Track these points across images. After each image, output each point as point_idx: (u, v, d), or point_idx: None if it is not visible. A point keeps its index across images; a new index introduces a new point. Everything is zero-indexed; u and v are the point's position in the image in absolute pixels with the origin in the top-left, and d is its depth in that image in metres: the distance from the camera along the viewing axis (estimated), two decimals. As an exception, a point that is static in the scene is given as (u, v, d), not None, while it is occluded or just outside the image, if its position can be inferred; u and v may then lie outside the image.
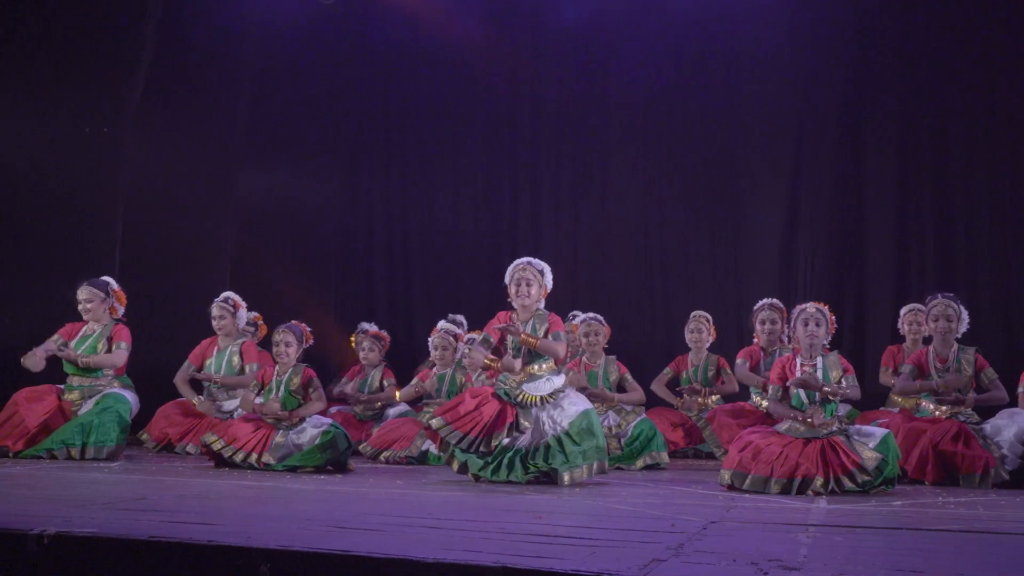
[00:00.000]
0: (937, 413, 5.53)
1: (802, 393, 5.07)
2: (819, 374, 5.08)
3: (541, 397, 5.19)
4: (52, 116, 8.17)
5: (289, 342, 5.96)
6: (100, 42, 8.36)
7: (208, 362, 7.16)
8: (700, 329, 7.42)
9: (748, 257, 8.74)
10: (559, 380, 5.29)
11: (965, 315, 5.61)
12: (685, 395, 7.38)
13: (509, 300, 5.36)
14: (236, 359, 7.06)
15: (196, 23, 9.28)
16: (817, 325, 5.14)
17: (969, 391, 5.55)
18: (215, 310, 7.16)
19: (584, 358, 6.72)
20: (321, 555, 2.77)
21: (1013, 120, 8.14)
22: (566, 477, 5.01)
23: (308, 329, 6.18)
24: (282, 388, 5.90)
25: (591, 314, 6.81)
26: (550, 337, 5.23)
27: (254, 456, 5.69)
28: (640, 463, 6.32)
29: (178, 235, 8.75)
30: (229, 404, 7.07)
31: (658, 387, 7.51)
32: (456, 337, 6.89)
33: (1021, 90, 8.12)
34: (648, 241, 9.12)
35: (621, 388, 6.66)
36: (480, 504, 4.28)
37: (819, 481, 4.75)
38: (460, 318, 7.57)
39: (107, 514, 3.54)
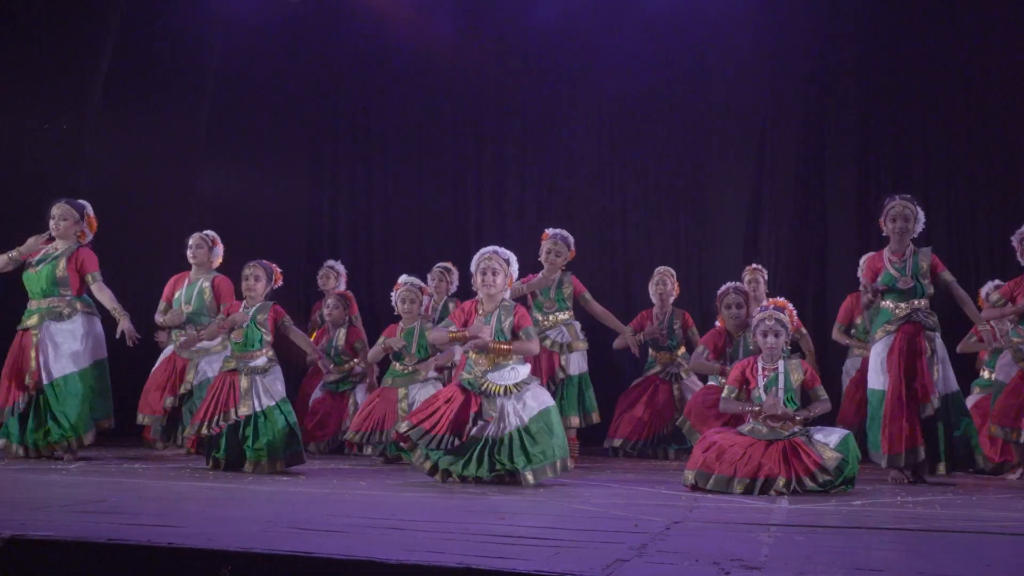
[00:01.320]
0: (896, 311, 5.53)
1: (762, 391, 5.11)
2: (780, 379, 5.12)
3: (506, 387, 5.17)
4: (11, 112, 8.04)
5: (258, 276, 5.87)
6: (61, 38, 8.25)
7: (178, 294, 6.91)
8: (664, 282, 7.38)
9: (712, 259, 8.83)
10: (524, 370, 5.28)
11: (921, 216, 5.66)
12: (644, 337, 7.33)
13: (475, 289, 5.33)
14: (208, 293, 6.85)
15: (159, 20, 9.18)
16: (776, 336, 5.18)
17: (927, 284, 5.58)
18: (193, 241, 6.95)
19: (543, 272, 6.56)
20: (283, 557, 2.75)
21: (972, 113, 8.34)
22: (529, 477, 5.01)
23: (278, 269, 6.11)
24: (248, 320, 5.82)
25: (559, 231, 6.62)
26: (521, 335, 5.21)
27: (232, 412, 5.65)
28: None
29: (139, 232, 8.65)
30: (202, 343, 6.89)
31: (619, 342, 7.30)
32: (421, 290, 6.74)
33: (980, 85, 8.32)
34: (614, 241, 9.16)
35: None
36: (443, 505, 4.28)
37: (781, 481, 4.80)
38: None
39: (65, 516, 3.49)
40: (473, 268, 5.35)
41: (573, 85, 9.40)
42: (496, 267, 5.28)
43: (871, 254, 5.85)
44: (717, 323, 6.51)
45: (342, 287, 7.96)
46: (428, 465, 5.15)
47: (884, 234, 5.74)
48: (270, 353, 5.85)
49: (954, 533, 3.52)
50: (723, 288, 6.50)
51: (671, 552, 2.96)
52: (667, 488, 5.05)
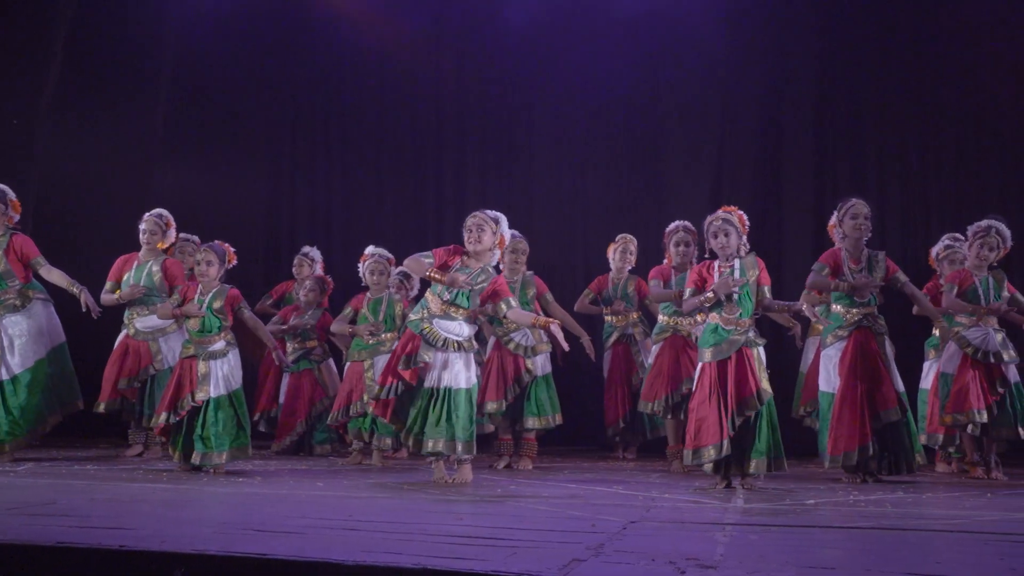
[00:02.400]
0: (848, 316, 5.63)
1: (722, 295, 5.14)
2: (736, 274, 5.15)
3: (446, 339, 5.23)
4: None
5: (210, 260, 5.80)
6: (13, 31, 8.09)
7: (127, 275, 6.80)
8: (628, 250, 7.34)
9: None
10: (468, 330, 5.33)
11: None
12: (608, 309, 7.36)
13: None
14: (158, 276, 6.74)
15: (113, 14, 9.05)
16: (727, 235, 5.19)
17: (877, 294, 5.69)
18: (145, 223, 6.83)
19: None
20: (237, 559, 2.73)
21: (924, 107, 8.49)
22: (429, 444, 5.16)
23: (231, 249, 6.05)
24: (204, 308, 5.77)
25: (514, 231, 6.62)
26: (502, 305, 5.33)
27: (187, 398, 5.63)
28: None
29: (92, 230, 8.52)
30: (143, 322, 6.76)
31: (581, 306, 7.41)
32: (389, 261, 6.70)
33: (932, 86, 8.47)
34: (575, 240, 9.18)
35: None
36: (401, 506, 4.26)
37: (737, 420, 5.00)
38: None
39: (13, 519, 3.43)
40: (464, 228, 5.41)
41: (535, 84, 9.39)
42: (482, 224, 5.34)
43: (830, 250, 5.92)
44: (665, 260, 6.57)
45: (318, 273, 7.89)
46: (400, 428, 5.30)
47: (841, 236, 5.82)
48: (228, 337, 5.81)
49: (904, 531, 3.58)
50: (672, 226, 6.56)
51: (628, 552, 2.97)
52: (625, 488, 5.08)
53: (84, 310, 6.20)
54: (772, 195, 8.74)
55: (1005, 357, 5.91)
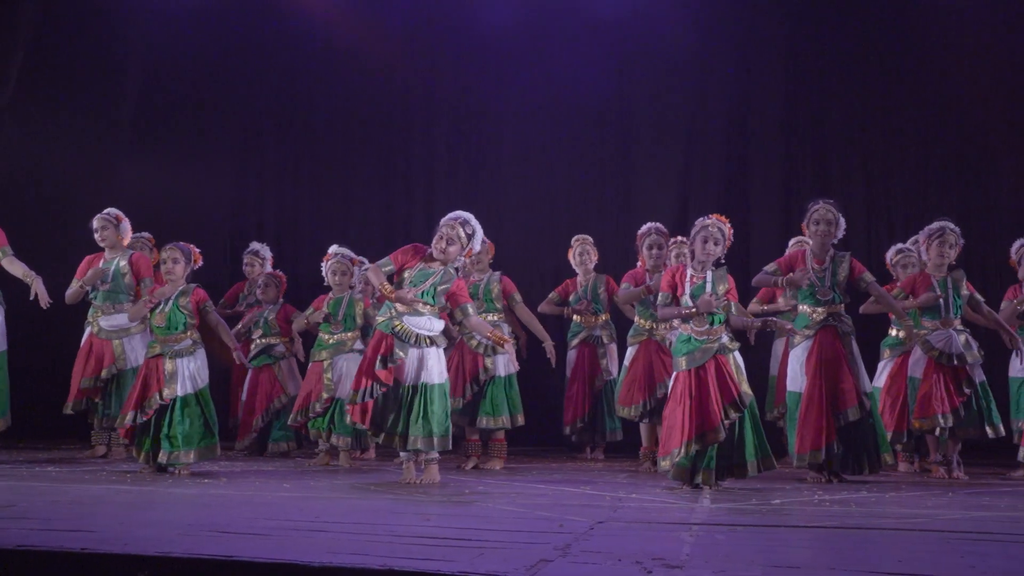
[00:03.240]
0: (813, 316, 5.68)
1: (689, 298, 5.20)
2: (708, 287, 5.20)
3: (418, 335, 5.24)
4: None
5: (176, 259, 5.79)
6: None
7: (87, 276, 6.70)
8: (584, 251, 7.36)
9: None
10: (438, 325, 5.33)
11: (842, 221, 5.81)
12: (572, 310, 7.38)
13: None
14: (127, 273, 6.66)
15: (80, 7, 8.95)
16: (716, 244, 5.26)
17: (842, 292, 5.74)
18: (96, 223, 6.75)
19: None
20: (202, 561, 2.70)
21: (888, 111, 8.63)
22: (410, 441, 5.17)
23: (197, 250, 6.02)
24: (170, 304, 5.74)
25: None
26: (458, 312, 5.39)
27: (154, 397, 5.60)
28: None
29: (54, 228, 8.41)
30: (108, 320, 6.69)
31: (545, 308, 7.42)
32: (352, 261, 6.68)
33: (896, 89, 8.61)
34: (542, 240, 9.18)
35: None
36: (368, 507, 4.25)
37: (721, 434, 4.98)
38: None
39: (-28, 522, 3.37)
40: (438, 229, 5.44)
41: (505, 87, 9.39)
42: (453, 238, 5.37)
43: (797, 250, 6.01)
44: (639, 263, 6.62)
45: (268, 270, 7.83)
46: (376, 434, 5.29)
47: (807, 236, 5.88)
48: (195, 336, 5.78)
49: (868, 530, 3.62)
50: (644, 228, 6.60)
51: (594, 552, 2.98)
52: (592, 488, 5.09)
53: (32, 298, 6.13)
54: (740, 197, 8.80)
55: (969, 359, 5.99)
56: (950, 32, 8.53)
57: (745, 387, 5.11)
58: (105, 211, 6.83)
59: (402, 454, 5.36)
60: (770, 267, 5.80)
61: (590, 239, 7.45)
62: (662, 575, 2.62)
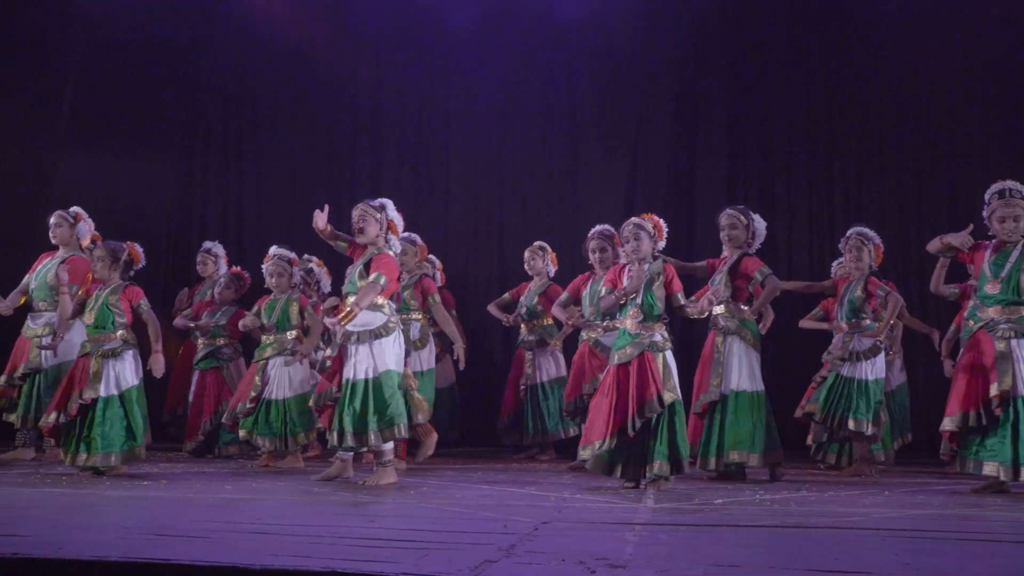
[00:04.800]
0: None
1: (631, 295, 5.29)
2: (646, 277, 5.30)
3: (345, 333, 5.24)
4: None
5: (101, 257, 5.71)
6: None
7: (36, 271, 6.59)
8: (534, 257, 7.45)
9: (585, 263, 8.97)
10: (375, 319, 5.29)
11: (757, 225, 5.97)
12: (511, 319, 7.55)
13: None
14: (51, 275, 6.47)
15: (20, 4, 8.73)
16: (636, 239, 5.32)
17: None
18: (52, 219, 6.61)
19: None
20: (140, 564, 2.65)
21: (831, 113, 8.80)
22: (371, 438, 5.16)
23: (137, 248, 5.88)
24: (100, 302, 5.64)
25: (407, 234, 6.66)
26: (370, 276, 5.25)
27: (75, 396, 5.51)
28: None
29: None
30: (35, 319, 6.56)
31: (492, 307, 7.68)
32: (291, 262, 6.65)
33: (836, 87, 8.80)
34: (490, 244, 9.20)
35: None
36: (311, 509, 4.21)
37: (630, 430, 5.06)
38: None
39: (-101, 526, 3.27)
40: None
41: (452, 89, 9.39)
42: (365, 215, 5.39)
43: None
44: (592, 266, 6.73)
45: (223, 269, 7.73)
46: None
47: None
48: (126, 336, 5.66)
49: (807, 528, 3.68)
50: (590, 232, 6.70)
51: (539, 552, 2.99)
52: (537, 489, 5.11)
53: None
54: (686, 201, 8.89)
55: (824, 356, 6.32)
56: (894, 38, 8.74)
57: (668, 389, 5.13)
58: (69, 208, 6.67)
59: (339, 452, 5.38)
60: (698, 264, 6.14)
61: (540, 246, 7.52)
62: (605, 575, 2.64)
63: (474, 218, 9.25)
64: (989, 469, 4.93)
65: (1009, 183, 5.12)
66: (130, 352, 5.66)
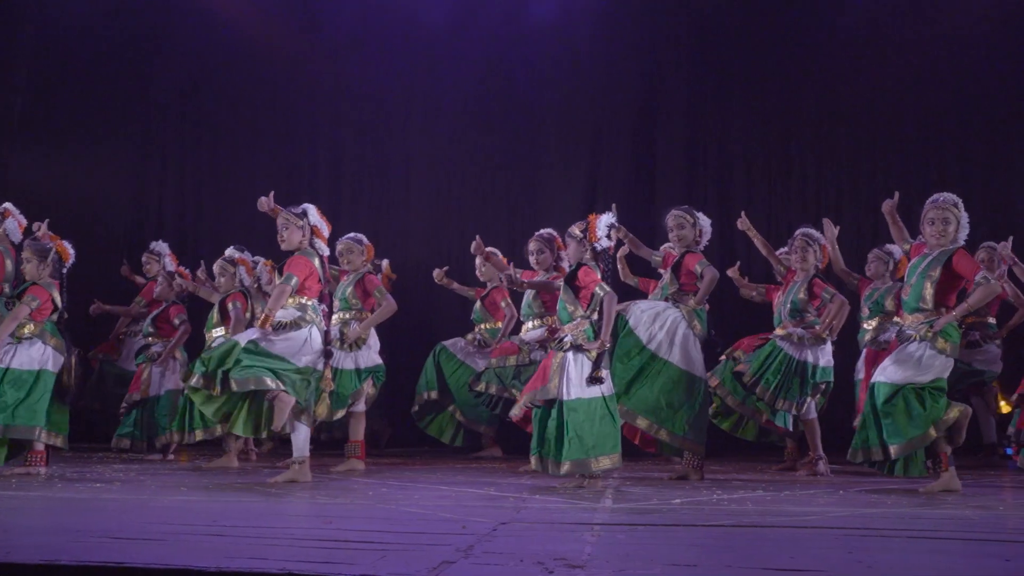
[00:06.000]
0: None
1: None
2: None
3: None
4: None
5: (28, 258, 5.72)
6: None
7: None
8: (484, 263, 7.50)
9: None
10: (285, 315, 5.30)
11: (703, 223, 6.06)
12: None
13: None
14: None
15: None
16: (568, 246, 5.45)
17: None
18: None
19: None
20: (92, 568, 2.61)
21: (784, 114, 8.98)
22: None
23: (65, 245, 5.86)
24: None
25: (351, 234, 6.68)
26: (282, 278, 5.37)
27: None
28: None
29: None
30: None
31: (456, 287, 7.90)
32: (239, 261, 6.75)
33: (789, 90, 8.97)
34: (450, 242, 9.19)
35: None
36: (267, 510, 4.17)
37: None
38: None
39: None
40: None
41: (411, 87, 9.38)
42: (287, 223, 5.45)
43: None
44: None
45: (170, 267, 7.67)
46: None
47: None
48: (32, 330, 5.65)
49: (762, 528, 3.73)
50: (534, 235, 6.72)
51: (497, 553, 2.99)
52: (496, 489, 5.11)
53: None
54: (645, 205, 8.95)
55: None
56: (847, 41, 8.89)
57: (551, 385, 5.13)
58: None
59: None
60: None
61: (489, 251, 7.52)
62: (564, 575, 2.65)
63: (433, 221, 9.22)
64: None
65: (945, 193, 5.23)
66: (38, 343, 5.66)
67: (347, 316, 6.33)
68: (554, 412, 5.14)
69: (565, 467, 5.08)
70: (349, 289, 6.42)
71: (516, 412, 5.88)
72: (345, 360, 6.17)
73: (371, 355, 6.31)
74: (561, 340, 5.24)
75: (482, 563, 2.82)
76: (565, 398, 5.11)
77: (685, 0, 9.08)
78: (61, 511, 4.02)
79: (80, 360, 5.95)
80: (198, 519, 3.76)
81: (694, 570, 2.82)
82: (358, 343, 6.23)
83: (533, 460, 5.23)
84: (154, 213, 9.49)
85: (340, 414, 6.18)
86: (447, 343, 7.69)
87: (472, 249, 6.79)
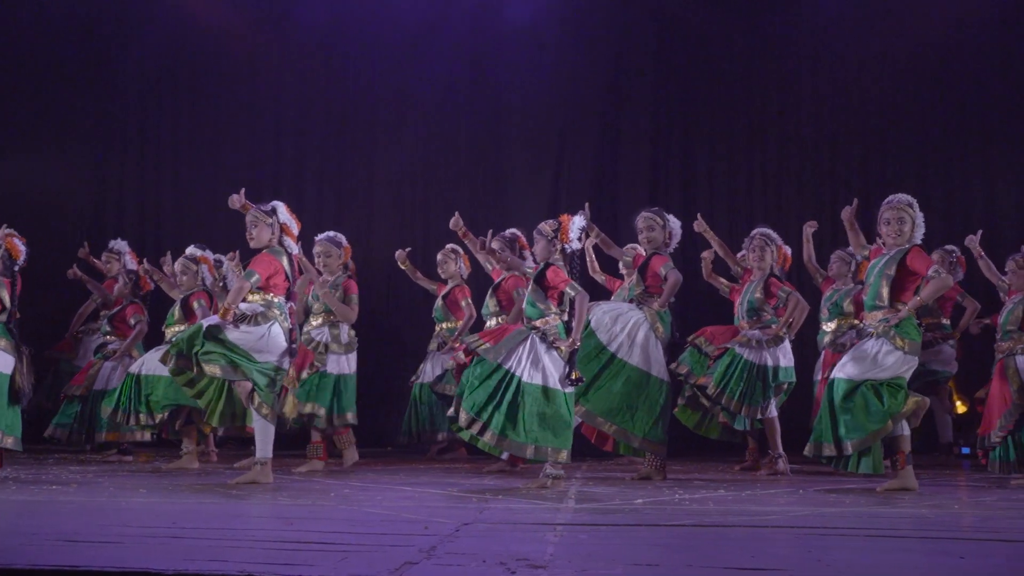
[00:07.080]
0: None
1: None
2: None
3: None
4: None
5: None
6: None
7: None
8: (444, 260, 7.49)
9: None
10: (249, 308, 5.27)
11: (673, 226, 6.12)
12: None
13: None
14: None
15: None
16: (536, 243, 5.49)
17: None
18: None
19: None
20: (47, 572, 2.57)
21: (748, 117, 9.02)
22: None
23: (15, 242, 5.77)
24: None
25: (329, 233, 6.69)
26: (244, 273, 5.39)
27: None
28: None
29: None
30: None
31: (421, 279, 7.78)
32: (201, 259, 6.70)
33: (754, 94, 9.04)
34: (414, 244, 9.15)
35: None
36: (228, 511, 4.13)
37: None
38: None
39: None
40: None
41: (377, 86, 9.33)
42: (255, 221, 5.40)
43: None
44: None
45: (130, 265, 7.59)
46: None
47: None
48: None
49: (724, 527, 3.75)
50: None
51: (460, 554, 2.99)
52: (459, 490, 5.10)
53: None
54: (608, 208, 8.98)
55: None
56: (810, 50, 8.98)
57: (501, 348, 5.17)
58: None
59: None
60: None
61: (451, 248, 7.52)
62: (526, 575, 2.65)
63: (398, 221, 9.18)
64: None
65: (900, 194, 5.33)
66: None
67: (333, 319, 6.45)
68: (507, 387, 5.12)
69: (530, 450, 5.12)
70: (338, 293, 6.48)
71: (459, 356, 5.69)
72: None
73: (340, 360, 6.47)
74: (533, 327, 5.25)
75: (445, 564, 2.81)
76: (526, 379, 5.13)
77: (651, 5, 9.12)
78: (15, 513, 3.95)
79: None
80: (157, 521, 3.72)
81: (656, 570, 2.84)
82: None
83: (463, 416, 5.10)
84: (113, 211, 9.36)
85: (308, 408, 6.26)
86: (426, 382, 7.54)
87: (451, 224, 6.67)
